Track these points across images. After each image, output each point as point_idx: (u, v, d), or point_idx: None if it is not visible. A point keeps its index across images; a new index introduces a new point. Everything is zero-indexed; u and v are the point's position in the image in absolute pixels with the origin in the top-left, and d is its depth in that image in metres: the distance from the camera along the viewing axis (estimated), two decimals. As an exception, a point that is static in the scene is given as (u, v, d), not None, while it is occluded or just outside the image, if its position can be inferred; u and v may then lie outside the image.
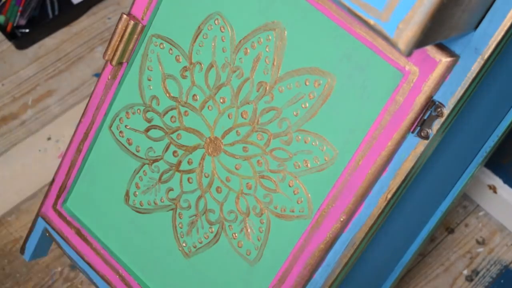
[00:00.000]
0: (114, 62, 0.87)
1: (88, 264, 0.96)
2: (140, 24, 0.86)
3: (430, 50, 0.67)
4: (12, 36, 1.51)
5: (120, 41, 0.86)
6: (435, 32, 0.55)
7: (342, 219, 0.75)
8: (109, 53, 0.87)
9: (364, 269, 0.88)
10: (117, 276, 0.94)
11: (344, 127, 0.74)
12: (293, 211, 0.79)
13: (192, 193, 0.86)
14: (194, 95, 0.84)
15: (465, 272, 1.27)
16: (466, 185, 0.96)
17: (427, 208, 0.96)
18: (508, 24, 0.63)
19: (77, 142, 0.94)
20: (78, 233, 0.96)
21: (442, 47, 0.67)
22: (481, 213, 1.33)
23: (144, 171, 0.90)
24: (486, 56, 0.65)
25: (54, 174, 0.98)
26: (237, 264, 0.84)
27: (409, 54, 0.55)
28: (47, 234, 1.00)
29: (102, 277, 0.95)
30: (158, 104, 0.87)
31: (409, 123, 0.69)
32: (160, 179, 0.88)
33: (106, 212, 0.94)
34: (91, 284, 1.04)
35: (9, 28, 1.50)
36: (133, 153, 0.90)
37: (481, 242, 1.30)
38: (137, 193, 0.91)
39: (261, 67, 0.78)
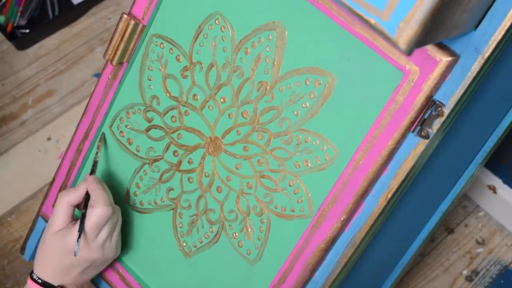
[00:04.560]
0: (114, 62, 0.87)
1: (88, 263, 0.96)
2: (141, 24, 0.86)
3: (431, 49, 0.67)
4: (12, 36, 1.51)
5: (121, 41, 0.86)
6: (436, 31, 0.56)
7: (342, 219, 0.75)
8: (109, 52, 0.87)
9: (364, 269, 0.88)
10: (117, 276, 0.94)
11: (345, 126, 0.74)
12: (293, 211, 0.79)
13: (192, 192, 0.86)
14: (194, 94, 0.84)
15: (465, 272, 1.27)
16: (466, 185, 0.96)
17: (427, 208, 0.96)
18: (509, 24, 0.63)
19: (77, 142, 0.94)
20: (78, 232, 0.96)
21: (443, 47, 0.67)
22: (481, 214, 1.33)
23: (144, 170, 0.90)
24: (486, 56, 0.65)
25: (54, 174, 0.98)
26: (238, 263, 0.84)
27: (409, 53, 0.55)
28: (47, 234, 1.00)
29: (102, 277, 0.95)
30: (159, 104, 0.87)
31: (409, 122, 0.69)
32: (160, 178, 0.88)
33: (106, 212, 0.94)
34: (91, 284, 1.03)
35: (9, 28, 1.50)
36: (134, 153, 0.90)
37: (481, 243, 1.30)
38: (137, 192, 0.91)
39: (261, 67, 0.78)
